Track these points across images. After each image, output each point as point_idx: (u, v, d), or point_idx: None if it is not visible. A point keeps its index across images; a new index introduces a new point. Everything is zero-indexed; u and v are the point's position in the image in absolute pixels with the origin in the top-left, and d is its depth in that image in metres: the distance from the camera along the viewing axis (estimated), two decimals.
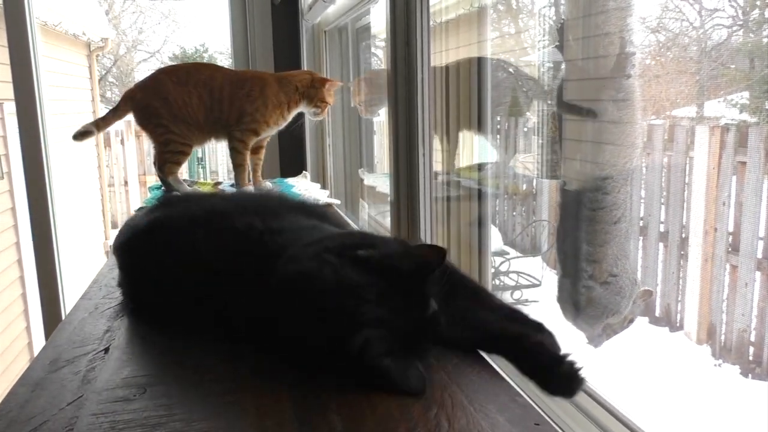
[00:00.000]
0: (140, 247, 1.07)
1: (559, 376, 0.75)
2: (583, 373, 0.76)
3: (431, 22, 1.50)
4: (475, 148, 1.88)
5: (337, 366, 0.74)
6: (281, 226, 0.91)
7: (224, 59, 15.70)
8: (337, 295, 0.75)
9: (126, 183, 8.75)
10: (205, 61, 15.69)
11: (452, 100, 1.69)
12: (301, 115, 1.99)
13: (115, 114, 1.97)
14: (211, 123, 1.89)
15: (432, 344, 0.80)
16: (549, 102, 1.76)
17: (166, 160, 1.90)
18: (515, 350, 0.79)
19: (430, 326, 0.78)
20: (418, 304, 0.77)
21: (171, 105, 1.86)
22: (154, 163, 1.98)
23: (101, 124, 2.01)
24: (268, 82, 1.92)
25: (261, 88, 1.89)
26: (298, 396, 0.75)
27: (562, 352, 0.79)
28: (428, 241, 1.48)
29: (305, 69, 2.67)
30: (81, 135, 1.93)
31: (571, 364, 0.76)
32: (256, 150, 2.01)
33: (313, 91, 1.91)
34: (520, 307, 0.90)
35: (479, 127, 1.66)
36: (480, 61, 1.63)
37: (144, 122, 1.93)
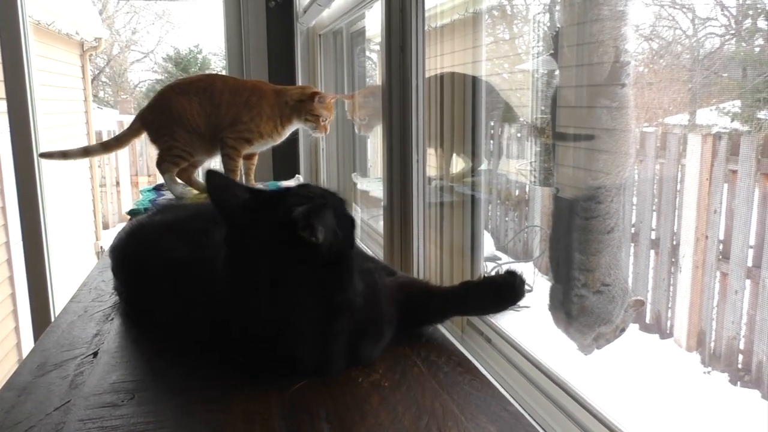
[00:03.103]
0: (122, 251, 1.10)
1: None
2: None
3: (426, 27, 1.50)
4: (468, 154, 1.88)
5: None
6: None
7: (218, 61, 15.70)
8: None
9: (118, 183, 8.71)
10: (198, 60, 15.71)
11: (438, 108, 1.68)
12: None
13: (130, 132, 2.03)
14: (211, 129, 1.90)
15: None
16: (542, 108, 1.76)
17: (164, 159, 1.94)
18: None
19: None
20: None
21: (173, 114, 1.89)
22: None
23: (113, 145, 2.08)
24: (266, 94, 1.92)
25: (258, 99, 1.90)
26: (286, 403, 0.74)
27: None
28: (420, 247, 1.48)
29: (305, 84, 2.67)
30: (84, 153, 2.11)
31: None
32: (249, 156, 2.01)
33: (301, 104, 1.90)
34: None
35: (473, 132, 1.66)
36: (464, 78, 1.63)
37: (155, 137, 1.97)
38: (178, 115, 1.88)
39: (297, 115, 1.91)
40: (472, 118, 1.58)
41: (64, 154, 2.08)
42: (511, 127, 2.64)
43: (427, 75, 1.52)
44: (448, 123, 1.62)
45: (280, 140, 1.97)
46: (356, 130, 2.34)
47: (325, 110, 1.91)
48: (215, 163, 2.04)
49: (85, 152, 2.15)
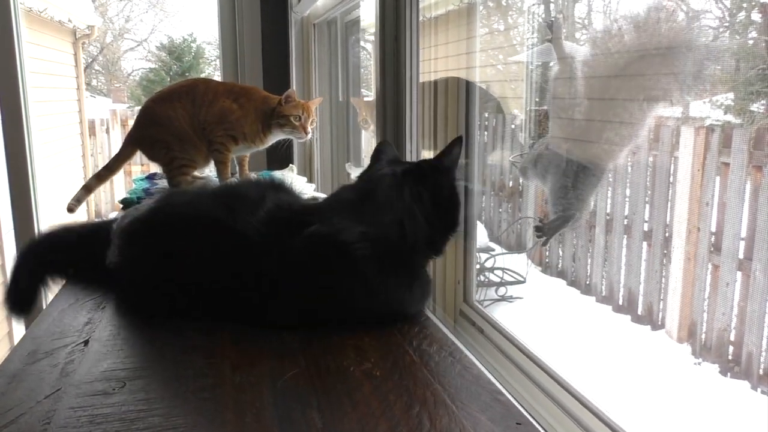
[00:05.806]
0: (144, 234, 1.06)
1: None
2: None
3: (420, 18, 1.49)
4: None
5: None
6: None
7: (212, 50, 15.62)
8: None
9: None
10: (192, 49, 15.62)
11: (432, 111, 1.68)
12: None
13: (119, 159, 1.95)
14: (198, 131, 1.86)
15: None
16: (536, 99, 1.76)
17: (173, 175, 1.87)
18: None
19: None
20: None
21: (161, 125, 1.84)
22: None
23: (105, 174, 1.98)
24: (255, 98, 1.88)
25: (247, 100, 1.87)
26: (278, 392, 0.74)
27: None
28: None
29: (300, 77, 2.66)
30: (76, 203, 1.95)
31: None
32: None
33: (272, 111, 1.85)
34: None
35: (467, 125, 1.66)
36: (458, 81, 1.62)
37: (151, 153, 1.90)
38: (167, 125, 1.83)
39: (275, 125, 1.85)
40: (466, 120, 1.58)
41: (77, 200, 1.97)
42: (503, 120, 2.64)
43: (421, 65, 1.52)
44: (442, 125, 1.61)
45: (263, 146, 1.93)
46: (366, 131, 2.34)
47: (294, 110, 1.83)
48: (209, 170, 2.00)
49: (87, 190, 1.98)
